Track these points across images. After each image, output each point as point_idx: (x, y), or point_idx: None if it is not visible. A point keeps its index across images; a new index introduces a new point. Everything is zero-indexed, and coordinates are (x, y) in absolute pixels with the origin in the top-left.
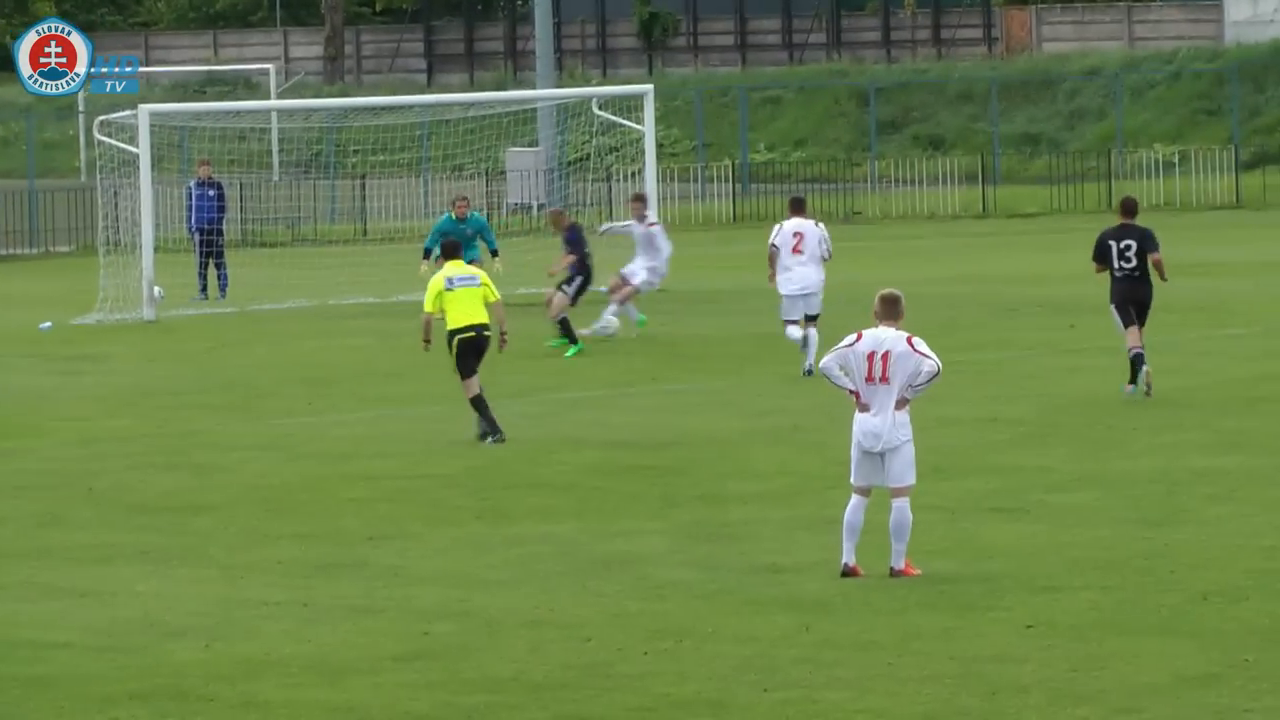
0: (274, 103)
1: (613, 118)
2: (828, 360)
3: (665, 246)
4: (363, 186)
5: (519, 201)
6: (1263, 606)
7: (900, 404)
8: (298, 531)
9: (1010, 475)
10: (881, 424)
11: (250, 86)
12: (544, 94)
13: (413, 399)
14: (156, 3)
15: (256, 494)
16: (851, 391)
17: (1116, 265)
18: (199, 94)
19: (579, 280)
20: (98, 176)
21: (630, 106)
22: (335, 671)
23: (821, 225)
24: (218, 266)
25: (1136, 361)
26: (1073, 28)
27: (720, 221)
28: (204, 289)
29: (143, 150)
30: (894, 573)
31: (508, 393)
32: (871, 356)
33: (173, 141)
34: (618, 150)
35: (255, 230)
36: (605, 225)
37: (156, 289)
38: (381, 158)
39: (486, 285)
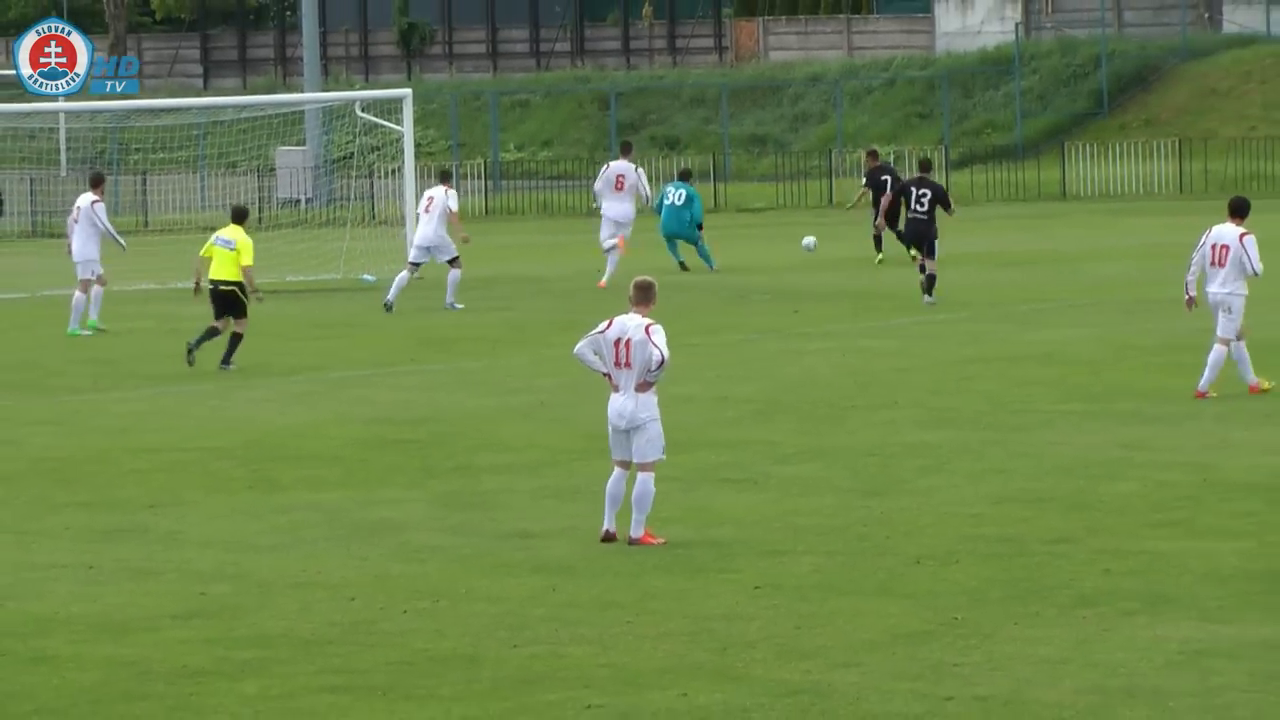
0: (60, 105)
1: (374, 119)
2: (581, 346)
3: None
4: (144, 182)
5: (288, 196)
6: (971, 569)
7: (641, 387)
8: (83, 500)
9: (740, 449)
10: (626, 404)
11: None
12: (310, 97)
13: (188, 378)
14: None
15: (44, 465)
16: (604, 374)
17: (913, 208)
18: None
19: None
20: None
21: (390, 109)
22: (119, 628)
23: (451, 192)
24: None
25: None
26: (797, 38)
27: (474, 215)
28: None
29: None
30: (632, 542)
31: (278, 372)
32: (619, 343)
33: None
34: (379, 149)
35: (44, 222)
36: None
37: None
38: (161, 155)
39: (240, 250)
